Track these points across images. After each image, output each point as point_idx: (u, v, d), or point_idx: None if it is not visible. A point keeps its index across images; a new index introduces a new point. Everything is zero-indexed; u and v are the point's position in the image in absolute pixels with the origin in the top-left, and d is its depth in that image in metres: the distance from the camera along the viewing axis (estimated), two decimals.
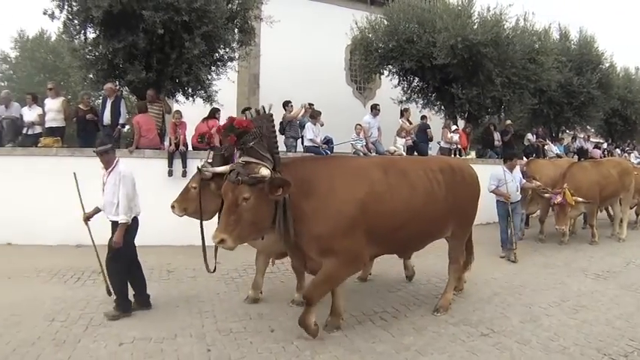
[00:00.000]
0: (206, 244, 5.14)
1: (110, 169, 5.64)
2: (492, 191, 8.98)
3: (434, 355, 4.75)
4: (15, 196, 8.88)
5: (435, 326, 5.50)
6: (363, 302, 6.24)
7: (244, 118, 5.24)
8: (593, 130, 23.77)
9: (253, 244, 5.77)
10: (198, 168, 5.59)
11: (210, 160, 5.67)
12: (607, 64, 19.16)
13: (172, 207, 5.78)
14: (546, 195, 9.79)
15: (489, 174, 9.11)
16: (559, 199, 9.46)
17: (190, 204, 5.66)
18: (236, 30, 11.39)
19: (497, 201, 9.19)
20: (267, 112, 5.04)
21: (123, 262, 5.66)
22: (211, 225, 4.99)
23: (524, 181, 9.46)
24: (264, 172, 4.47)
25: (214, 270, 5.19)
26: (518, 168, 9.48)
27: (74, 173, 5.88)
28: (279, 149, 5.03)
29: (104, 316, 5.52)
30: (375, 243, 5.16)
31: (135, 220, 5.72)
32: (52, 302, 5.99)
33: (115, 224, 5.57)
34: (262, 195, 4.45)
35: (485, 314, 5.95)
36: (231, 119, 5.01)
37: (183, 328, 5.27)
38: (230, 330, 5.22)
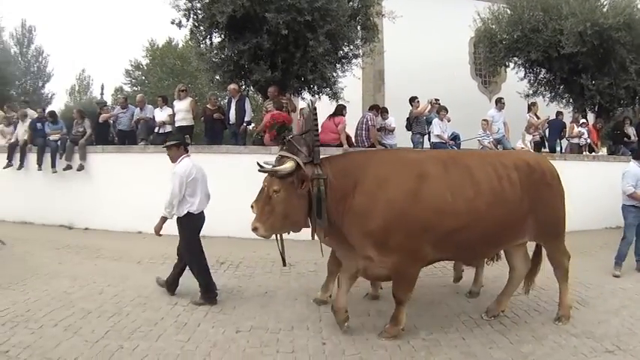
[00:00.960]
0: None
1: (174, 165, 5.95)
2: (632, 195, 7.66)
3: None
4: (147, 190, 9.38)
5: (556, 336, 5.24)
6: (482, 305, 6.08)
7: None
8: None
9: None
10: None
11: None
12: None
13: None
14: None
15: (621, 173, 8.02)
16: None
17: None
18: (359, 27, 11.52)
19: (627, 205, 7.87)
20: (311, 107, 4.99)
21: (194, 256, 6.04)
22: None
23: None
24: (286, 165, 4.58)
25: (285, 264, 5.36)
26: None
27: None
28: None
29: (191, 302, 6.00)
30: (431, 244, 4.85)
31: (193, 216, 5.92)
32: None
33: (178, 218, 5.93)
34: (292, 188, 4.61)
35: (611, 328, 5.52)
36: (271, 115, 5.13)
37: (301, 320, 5.47)
38: (347, 326, 5.32)
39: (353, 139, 10.88)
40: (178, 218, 5.92)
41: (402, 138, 11.80)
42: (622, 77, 12.72)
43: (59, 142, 11.20)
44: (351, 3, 10.97)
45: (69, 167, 10.82)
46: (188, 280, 6.28)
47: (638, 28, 12.26)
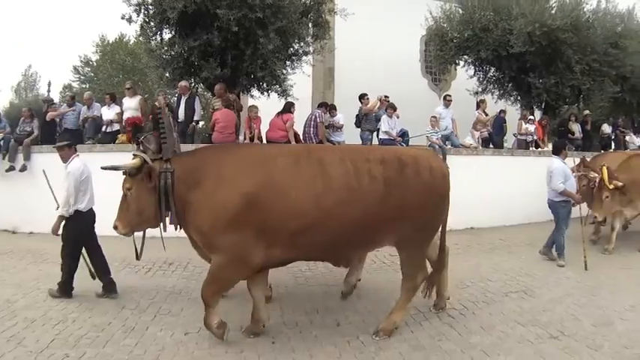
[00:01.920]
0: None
1: (66, 165, 6.11)
2: (563, 192, 7.87)
3: (500, 355, 4.68)
4: (95, 190, 9.14)
5: (503, 326, 5.40)
6: (431, 299, 6.09)
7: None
8: None
9: None
10: None
11: None
12: None
13: None
14: (591, 175, 8.91)
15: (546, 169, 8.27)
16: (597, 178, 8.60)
17: None
18: (310, 24, 11.47)
19: (557, 201, 8.04)
20: (158, 106, 5.11)
21: (70, 255, 6.11)
22: None
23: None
24: (130, 162, 4.66)
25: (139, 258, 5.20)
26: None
27: (43, 170, 6.73)
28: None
29: (48, 292, 6.15)
30: (276, 245, 4.60)
31: (82, 214, 6.05)
32: (123, 291, 6.33)
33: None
34: (142, 185, 4.66)
35: (556, 315, 5.75)
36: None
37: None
38: (296, 323, 5.35)
39: (301, 137, 10.86)
40: (67, 217, 6.00)
41: (351, 135, 11.83)
42: (568, 76, 13.13)
43: (2, 142, 10.77)
44: (303, 0, 10.94)
45: (12, 168, 10.40)
46: (138, 282, 6.14)
47: (584, 30, 12.68)
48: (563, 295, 6.54)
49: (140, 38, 11.84)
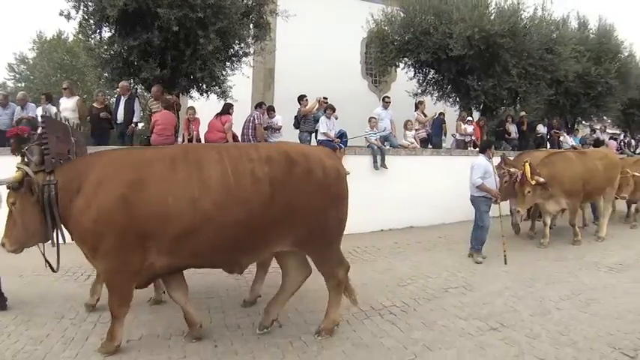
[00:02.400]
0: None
1: None
2: (480, 186, 8.17)
3: (442, 349, 4.76)
4: None
5: (444, 320, 5.51)
6: (371, 297, 6.25)
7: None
8: (609, 121, 23.40)
9: None
10: None
11: None
12: (626, 54, 18.78)
13: None
14: (512, 171, 9.02)
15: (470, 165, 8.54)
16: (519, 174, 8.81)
17: None
18: (251, 25, 11.38)
19: (478, 197, 8.32)
20: (42, 117, 4.76)
21: None
22: None
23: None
24: (8, 177, 4.43)
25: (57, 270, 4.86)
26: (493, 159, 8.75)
27: None
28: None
29: None
30: (161, 251, 4.43)
31: None
32: (62, 300, 6.06)
33: None
34: (26, 198, 4.45)
35: (495, 308, 5.95)
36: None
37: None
38: (238, 325, 5.27)
39: (240, 139, 10.75)
40: None
41: (290, 136, 11.78)
42: (505, 79, 13.50)
43: None
44: (245, 0, 10.86)
45: None
46: (77, 290, 5.90)
47: (521, 36, 13.08)
48: (501, 288, 6.77)
49: (79, 36, 11.38)
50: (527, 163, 8.75)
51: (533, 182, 8.62)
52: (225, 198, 4.39)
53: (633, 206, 12.10)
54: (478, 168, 8.20)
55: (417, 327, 5.32)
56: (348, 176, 5.20)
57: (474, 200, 8.42)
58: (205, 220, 4.34)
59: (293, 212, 4.60)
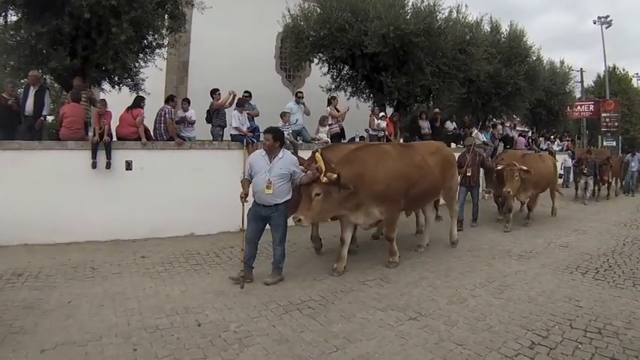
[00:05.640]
0: None
1: None
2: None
3: (363, 341, 4.80)
4: None
5: (363, 312, 5.57)
6: (289, 292, 6.25)
7: None
8: (519, 119, 24.94)
9: None
10: None
11: None
12: (534, 57, 20.15)
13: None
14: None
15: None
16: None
17: None
18: (166, 16, 10.99)
19: None
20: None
21: None
22: None
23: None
24: None
25: None
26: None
27: None
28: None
29: None
30: None
31: None
32: None
33: None
34: None
35: (413, 298, 6.10)
36: None
37: (109, 328, 5.06)
38: (157, 327, 5.09)
39: (152, 133, 10.48)
40: None
41: (202, 130, 11.62)
42: (419, 77, 13.83)
43: None
44: None
45: None
46: None
47: (435, 36, 13.48)
48: (418, 278, 6.97)
49: None
50: (318, 154, 6.56)
51: (325, 180, 6.30)
52: None
53: (518, 205, 12.21)
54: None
55: (336, 320, 5.35)
56: None
57: None
58: None
59: None
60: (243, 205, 6.65)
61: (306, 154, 10.90)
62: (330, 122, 13.25)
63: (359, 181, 6.73)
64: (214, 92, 11.88)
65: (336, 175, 6.28)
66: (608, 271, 7.40)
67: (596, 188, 18.08)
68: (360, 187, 6.74)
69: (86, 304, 5.78)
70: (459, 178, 10.01)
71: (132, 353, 4.53)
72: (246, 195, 6.51)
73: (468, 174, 10.98)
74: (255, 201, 6.59)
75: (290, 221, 6.61)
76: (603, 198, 17.94)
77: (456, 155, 10.80)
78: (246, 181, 6.60)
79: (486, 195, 14.17)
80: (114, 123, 10.04)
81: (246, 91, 12.12)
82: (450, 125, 17.08)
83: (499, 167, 10.92)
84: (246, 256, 6.65)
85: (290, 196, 6.62)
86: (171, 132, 10.38)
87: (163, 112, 10.53)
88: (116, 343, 4.71)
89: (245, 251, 6.66)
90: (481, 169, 11.86)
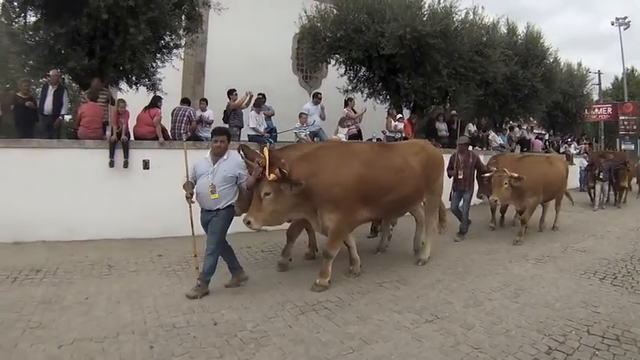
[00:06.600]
0: None
1: None
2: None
3: (379, 343, 4.79)
4: None
5: (380, 314, 5.55)
6: (306, 293, 6.25)
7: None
8: (535, 122, 24.73)
9: None
10: None
11: None
12: (551, 59, 20.05)
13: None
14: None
15: None
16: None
17: None
18: (183, 16, 11.08)
19: None
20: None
21: None
22: None
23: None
24: None
25: None
26: None
27: None
28: None
29: None
30: None
31: None
32: None
33: None
34: None
35: (429, 301, 6.07)
36: None
37: (125, 325, 5.09)
38: (173, 325, 5.11)
39: (169, 133, 10.59)
40: None
41: None
42: (435, 79, 13.81)
43: None
44: None
45: None
46: (2, 293, 5.69)
47: (452, 38, 13.46)
48: (434, 281, 6.93)
49: (1, 19, 10.64)
50: (266, 148, 6.23)
51: (271, 177, 5.78)
52: None
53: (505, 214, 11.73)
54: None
55: (352, 321, 5.33)
56: None
57: None
58: None
59: None
60: (190, 207, 6.05)
61: None
62: (348, 123, 13.22)
63: (312, 181, 6.05)
64: (231, 93, 11.99)
65: (278, 170, 5.71)
66: (626, 277, 7.30)
67: (612, 193, 16.62)
68: (312, 188, 6.07)
69: (103, 301, 5.82)
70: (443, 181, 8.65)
71: (148, 351, 4.55)
72: (192, 195, 5.91)
73: (460, 177, 9.80)
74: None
75: None
76: (611, 205, 16.44)
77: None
78: (190, 183, 5.98)
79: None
80: (131, 122, 10.16)
81: (259, 93, 12.13)
82: (472, 128, 16.99)
83: (486, 175, 9.57)
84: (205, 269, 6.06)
85: (234, 200, 6.08)
86: (191, 134, 10.54)
87: (187, 114, 10.73)
88: (133, 341, 4.74)
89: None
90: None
